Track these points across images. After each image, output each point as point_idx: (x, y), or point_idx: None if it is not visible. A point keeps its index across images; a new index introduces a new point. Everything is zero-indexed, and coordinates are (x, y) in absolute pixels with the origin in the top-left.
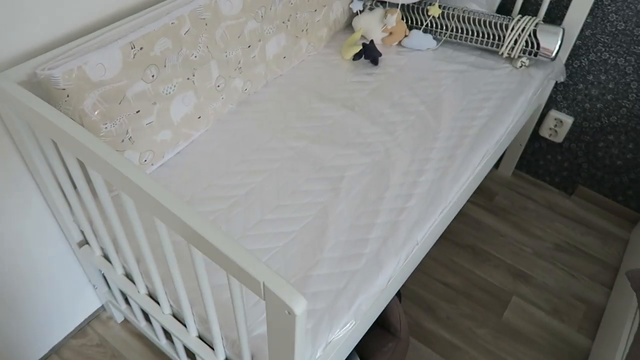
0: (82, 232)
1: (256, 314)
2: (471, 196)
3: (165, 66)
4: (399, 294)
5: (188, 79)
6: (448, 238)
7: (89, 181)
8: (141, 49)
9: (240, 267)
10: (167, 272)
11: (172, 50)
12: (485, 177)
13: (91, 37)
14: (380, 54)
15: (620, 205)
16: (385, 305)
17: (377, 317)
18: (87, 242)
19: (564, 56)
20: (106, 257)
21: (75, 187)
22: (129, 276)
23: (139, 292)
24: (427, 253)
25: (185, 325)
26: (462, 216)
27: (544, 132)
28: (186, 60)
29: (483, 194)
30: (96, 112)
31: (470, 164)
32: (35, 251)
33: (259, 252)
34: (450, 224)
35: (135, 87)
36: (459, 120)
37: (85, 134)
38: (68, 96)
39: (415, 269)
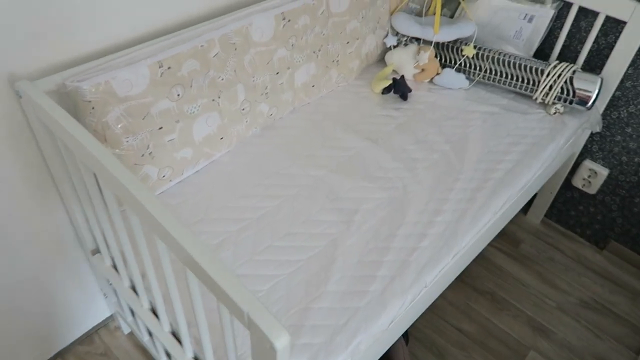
0: (96, 241)
1: (249, 341)
2: (495, 241)
3: (191, 86)
4: (405, 335)
5: (213, 100)
6: (467, 282)
7: (102, 193)
8: (169, 68)
9: (227, 294)
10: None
11: (199, 71)
12: (512, 222)
13: (122, 54)
14: (410, 90)
15: None
16: (387, 346)
17: (378, 357)
18: (99, 251)
19: (601, 106)
20: (115, 267)
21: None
22: (134, 289)
23: (142, 306)
24: (443, 295)
25: (182, 345)
26: (483, 260)
27: (577, 182)
28: (213, 82)
29: (508, 240)
30: (119, 126)
31: (491, 208)
32: (52, 255)
33: (263, 277)
34: (470, 267)
35: (160, 105)
36: (484, 163)
37: (99, 147)
38: (93, 108)
39: (429, 310)
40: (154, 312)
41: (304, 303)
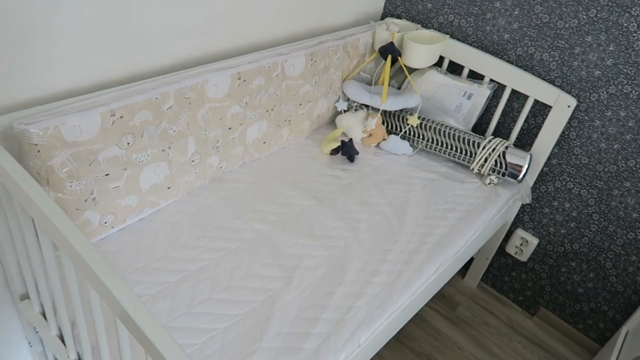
0: (26, 286)
1: None
2: (434, 303)
3: (142, 136)
4: None
5: (163, 150)
6: (405, 343)
7: (38, 237)
8: (121, 117)
9: (155, 348)
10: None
11: (151, 122)
12: (450, 285)
13: (76, 100)
14: (357, 152)
15: (580, 334)
16: None
17: None
18: (28, 297)
19: (531, 180)
20: (44, 315)
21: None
22: (62, 339)
23: (68, 357)
24: (382, 356)
25: None
26: (422, 322)
27: (510, 249)
28: (164, 133)
29: (446, 302)
30: (64, 170)
31: (425, 272)
32: None
33: (199, 331)
34: (409, 328)
35: (109, 152)
36: (422, 227)
37: (39, 191)
38: (39, 151)
39: None
40: None
41: (238, 359)
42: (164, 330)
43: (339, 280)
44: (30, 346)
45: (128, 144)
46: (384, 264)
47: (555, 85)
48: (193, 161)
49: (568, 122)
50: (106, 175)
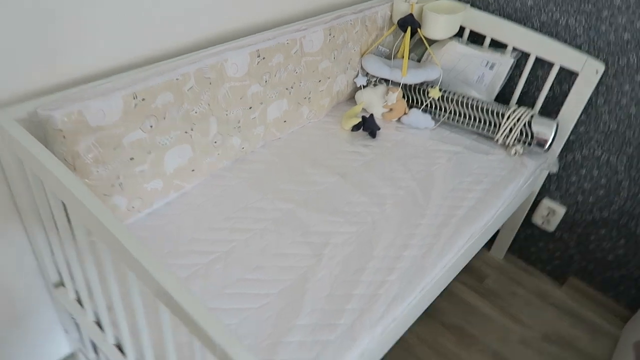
0: (59, 273)
1: None
2: (462, 276)
3: (164, 118)
4: None
5: (186, 132)
6: (435, 317)
7: (70, 224)
8: (143, 100)
9: (200, 327)
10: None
11: (173, 104)
12: (477, 258)
13: (96, 84)
14: (378, 128)
15: (611, 301)
16: None
17: None
18: (62, 284)
19: (557, 148)
20: (79, 301)
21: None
22: (99, 324)
23: (106, 341)
24: (412, 330)
25: None
26: (451, 296)
27: (537, 220)
28: (186, 114)
29: (474, 275)
30: (90, 155)
31: (455, 244)
32: (10, 287)
33: (233, 311)
34: (438, 302)
35: (132, 136)
36: (448, 200)
37: (70, 176)
38: (64, 137)
39: (399, 346)
40: (119, 347)
41: (274, 337)
42: (207, 310)
43: (369, 256)
44: (67, 333)
45: (151, 126)
46: (413, 237)
47: (582, 51)
48: (215, 142)
49: (595, 88)
50: (131, 159)
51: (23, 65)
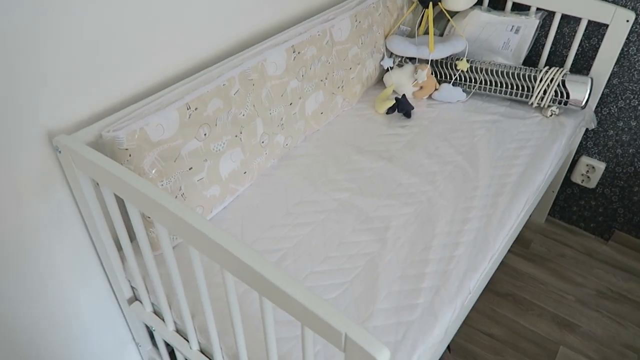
0: (133, 289)
1: None
2: None
3: (216, 125)
4: (448, 347)
5: (236, 136)
6: (488, 287)
7: (148, 235)
8: (196, 109)
9: (320, 318)
10: (223, 327)
11: (222, 109)
12: None
13: (150, 100)
14: (412, 107)
15: None
16: (438, 359)
17: None
18: (136, 299)
19: (593, 104)
20: (157, 313)
21: (131, 240)
22: (180, 332)
23: (191, 348)
24: None
25: None
26: (500, 265)
27: (577, 179)
28: (235, 118)
29: (518, 242)
30: (154, 171)
31: (514, 211)
32: (81, 310)
33: None
34: None
35: (189, 146)
36: (497, 169)
37: (154, 189)
38: (130, 156)
39: None
40: (204, 353)
41: (358, 323)
42: (323, 300)
43: (432, 234)
44: (139, 346)
45: (205, 134)
46: (470, 210)
47: (609, 2)
48: (263, 142)
49: (627, 38)
50: (190, 169)
51: (79, 90)
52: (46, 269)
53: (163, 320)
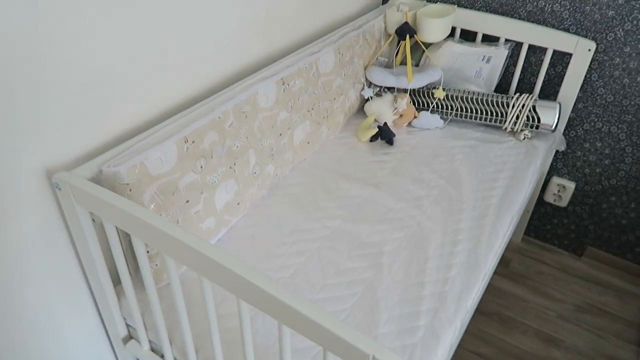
0: (128, 327)
1: None
2: None
3: (212, 157)
4: None
5: (230, 167)
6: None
7: (152, 268)
8: (193, 142)
9: (346, 342)
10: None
11: (218, 142)
12: None
13: (147, 134)
14: (394, 135)
15: (631, 263)
16: None
17: None
18: (131, 337)
19: (561, 127)
20: (154, 350)
21: (133, 272)
22: None
23: None
24: None
25: None
26: None
27: (549, 198)
28: (229, 150)
29: (499, 261)
30: (152, 205)
31: (500, 231)
32: (71, 350)
33: None
34: None
35: (186, 178)
36: (479, 192)
37: (163, 220)
38: (130, 190)
39: None
40: None
41: None
42: (346, 325)
43: (425, 257)
44: None
45: (201, 167)
46: (459, 232)
47: (571, 33)
48: (255, 173)
49: (589, 66)
50: (187, 202)
51: (78, 127)
52: (35, 310)
53: (162, 357)
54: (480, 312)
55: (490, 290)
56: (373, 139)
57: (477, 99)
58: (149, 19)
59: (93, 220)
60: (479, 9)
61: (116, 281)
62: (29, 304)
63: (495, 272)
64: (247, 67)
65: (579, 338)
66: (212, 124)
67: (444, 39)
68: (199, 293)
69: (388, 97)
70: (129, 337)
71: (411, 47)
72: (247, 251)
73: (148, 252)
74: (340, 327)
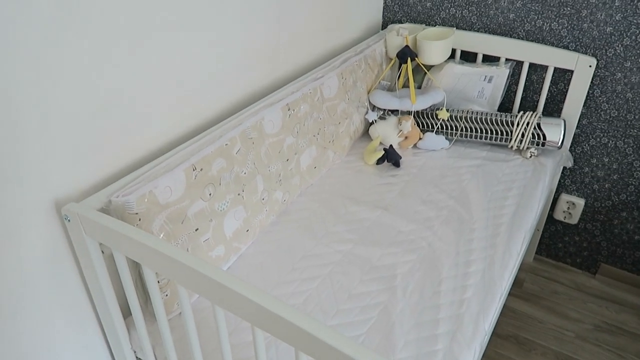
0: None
1: None
2: None
3: (220, 184)
4: None
5: (239, 194)
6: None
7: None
8: (201, 170)
9: None
10: None
11: (226, 168)
12: None
13: (155, 164)
14: (400, 157)
15: None
16: None
17: None
18: None
19: (567, 144)
20: None
21: (143, 304)
22: None
23: None
24: None
25: None
26: None
27: (559, 216)
28: (237, 177)
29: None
30: (162, 235)
31: (514, 249)
32: None
33: None
34: None
35: (195, 207)
36: (490, 211)
37: (175, 249)
38: (140, 220)
39: None
40: None
41: None
42: (366, 348)
43: (439, 278)
44: None
45: (210, 194)
46: (472, 253)
47: (571, 50)
48: (263, 199)
49: (591, 82)
50: (196, 230)
51: (86, 158)
52: (42, 344)
53: None
54: (497, 334)
55: (505, 311)
56: (380, 161)
57: (481, 119)
58: (157, 49)
59: (102, 251)
60: (477, 31)
61: (126, 313)
62: (35, 337)
63: (510, 293)
64: (253, 94)
65: (599, 359)
66: (219, 151)
67: (445, 61)
68: (210, 323)
69: (392, 119)
70: None
71: (413, 70)
72: (257, 278)
73: (158, 282)
74: (361, 352)
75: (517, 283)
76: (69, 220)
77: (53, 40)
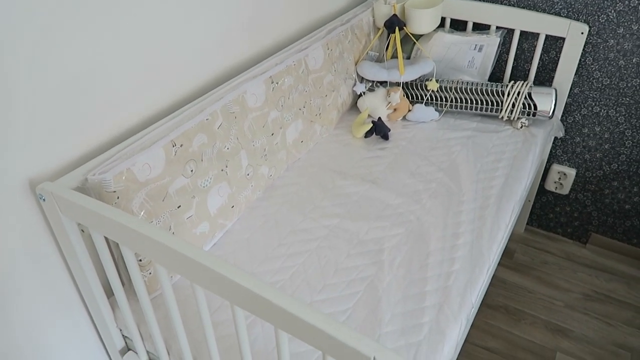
0: (125, 338)
1: None
2: None
3: (202, 160)
4: None
5: (222, 170)
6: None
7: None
8: (181, 145)
9: (345, 345)
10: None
11: (207, 144)
12: None
13: (133, 140)
14: (389, 129)
15: (637, 248)
16: None
17: None
18: (129, 349)
19: (559, 113)
20: None
21: (123, 284)
22: None
23: None
24: None
25: None
26: None
27: (550, 186)
28: (220, 152)
29: (502, 253)
30: (142, 212)
31: (502, 221)
32: None
33: None
34: None
35: (177, 183)
36: (479, 182)
37: (152, 228)
38: (118, 198)
39: None
40: None
41: None
42: (346, 327)
43: (426, 252)
44: None
45: (192, 171)
46: (460, 225)
47: (563, 17)
48: (248, 174)
49: (583, 49)
50: (178, 207)
51: (60, 135)
52: (28, 325)
53: None
54: (487, 305)
55: (495, 282)
56: (368, 134)
57: (471, 89)
58: (131, 22)
59: (82, 230)
60: None
61: (110, 292)
62: (21, 319)
63: (500, 264)
64: (235, 67)
65: (588, 327)
66: (200, 126)
67: (434, 30)
68: (195, 300)
69: (381, 91)
70: (127, 348)
71: (401, 40)
72: (244, 254)
73: (140, 260)
74: (339, 330)
75: (507, 254)
76: (44, 200)
77: (24, 15)
